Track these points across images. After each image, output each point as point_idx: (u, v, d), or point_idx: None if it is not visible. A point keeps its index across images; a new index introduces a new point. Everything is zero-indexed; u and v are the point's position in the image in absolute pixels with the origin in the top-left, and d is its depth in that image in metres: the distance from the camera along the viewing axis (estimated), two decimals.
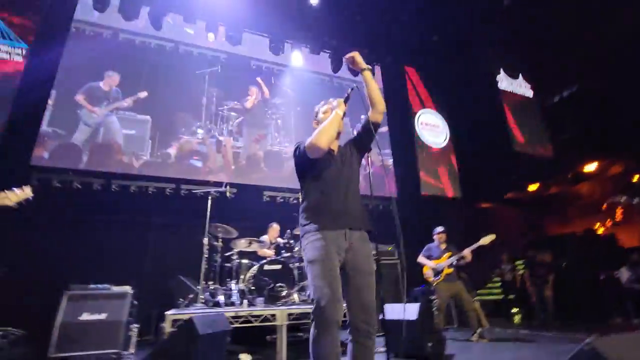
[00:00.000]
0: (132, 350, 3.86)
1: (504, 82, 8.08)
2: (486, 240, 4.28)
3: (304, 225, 1.77)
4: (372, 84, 1.85)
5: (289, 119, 6.97)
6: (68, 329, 3.53)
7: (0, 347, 3.64)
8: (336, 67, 7.60)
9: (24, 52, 5.08)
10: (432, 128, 8.13)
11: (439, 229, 4.63)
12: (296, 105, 7.12)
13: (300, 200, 1.90)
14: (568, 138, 7.93)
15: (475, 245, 4.29)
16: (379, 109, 1.88)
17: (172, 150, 5.76)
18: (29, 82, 5.03)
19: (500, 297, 6.93)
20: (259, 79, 6.92)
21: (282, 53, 7.19)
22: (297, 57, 7.33)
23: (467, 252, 4.27)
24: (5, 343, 3.75)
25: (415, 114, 8.05)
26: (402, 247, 2.28)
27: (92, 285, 3.85)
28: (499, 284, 7.15)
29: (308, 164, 1.85)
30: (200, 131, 6.08)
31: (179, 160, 5.76)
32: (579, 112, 7.82)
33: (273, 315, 3.48)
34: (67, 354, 3.47)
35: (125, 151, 5.46)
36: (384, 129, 7.75)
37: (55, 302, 3.63)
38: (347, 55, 1.90)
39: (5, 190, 1.72)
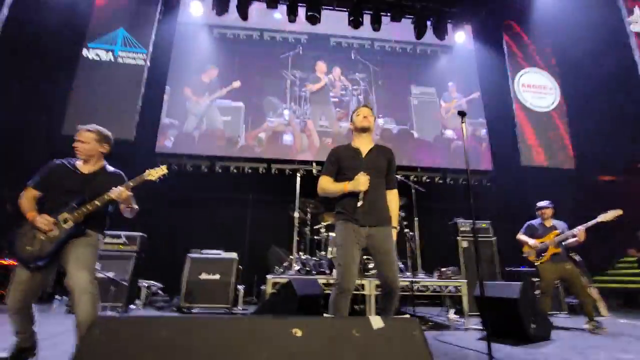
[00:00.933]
0: (239, 306, 4.50)
1: (639, 22, 6.44)
2: (608, 216, 3.61)
3: (337, 215, 2.23)
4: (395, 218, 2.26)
5: (370, 93, 6.86)
6: (192, 286, 4.28)
7: (146, 295, 4.65)
8: (420, 32, 7.09)
9: (144, 56, 6.07)
10: (537, 89, 7.04)
11: (544, 203, 4.09)
12: (377, 78, 6.94)
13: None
14: None
15: (592, 223, 3.67)
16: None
17: (263, 133, 6.27)
18: (151, 81, 6.04)
19: (634, 284, 5.83)
20: (320, 62, 6.88)
21: (362, 26, 7.01)
22: (377, 28, 7.06)
23: (579, 230, 3.69)
24: (149, 293, 4.76)
25: (515, 75, 7.07)
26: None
27: (205, 250, 4.58)
28: (635, 267, 5.99)
29: (339, 170, 2.25)
30: (286, 113, 6.45)
31: (269, 142, 6.25)
32: None
33: (362, 286, 3.63)
34: (192, 305, 4.24)
35: (224, 136, 6.15)
36: (475, 94, 7.02)
37: (179, 263, 4.44)
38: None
39: (148, 169, 2.18)
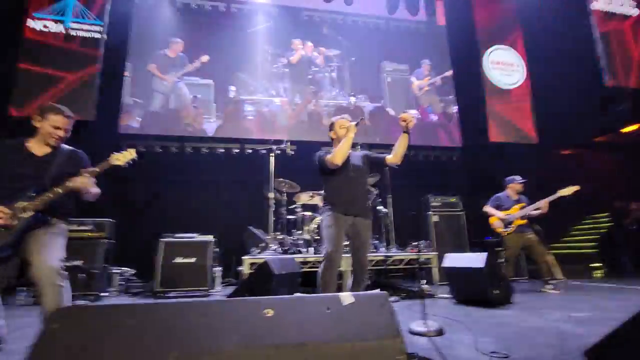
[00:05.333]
0: (217, 288, 4.50)
1: (599, 2, 6.66)
2: (567, 191, 3.86)
3: (324, 207, 2.49)
4: (405, 144, 2.40)
5: (343, 70, 6.75)
6: (167, 270, 4.20)
7: (119, 282, 4.53)
8: (392, 7, 6.98)
9: (100, 29, 5.58)
10: (505, 67, 7.22)
11: (521, 180, 4.27)
12: (350, 55, 6.82)
13: (323, 189, 2.58)
14: None
15: (553, 197, 3.92)
16: (397, 161, 2.47)
17: (234, 112, 6.06)
18: (109, 57, 5.59)
19: (587, 250, 6.34)
20: (295, 40, 6.66)
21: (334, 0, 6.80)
22: (349, 2, 6.87)
23: (543, 203, 3.92)
24: (122, 279, 4.64)
25: (485, 52, 7.18)
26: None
27: (181, 234, 4.48)
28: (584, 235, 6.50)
29: (328, 168, 2.45)
30: (258, 90, 6.24)
31: (241, 121, 6.06)
32: None
33: None
34: (168, 289, 4.18)
35: (194, 115, 5.89)
36: (449, 72, 7.10)
37: (153, 248, 4.32)
38: (409, 119, 2.31)
39: (115, 153, 2.08)
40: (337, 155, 2.36)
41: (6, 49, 5.19)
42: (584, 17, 6.52)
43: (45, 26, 5.38)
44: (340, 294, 0.99)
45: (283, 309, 0.92)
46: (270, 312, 0.90)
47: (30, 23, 5.33)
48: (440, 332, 2.21)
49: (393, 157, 2.44)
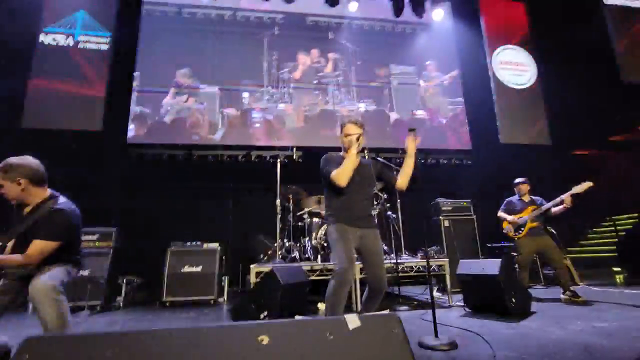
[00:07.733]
0: (224, 297, 4.44)
1: None
2: (580, 188, 3.69)
3: (329, 219, 2.36)
4: (410, 169, 2.36)
5: (349, 74, 6.70)
6: (174, 278, 4.18)
7: (126, 291, 4.50)
8: (398, 10, 6.93)
9: (107, 41, 5.66)
10: (515, 67, 7.08)
11: (519, 179, 4.17)
12: (356, 59, 6.78)
13: (325, 200, 2.47)
14: None
15: (568, 194, 3.74)
16: (403, 186, 2.39)
17: (240, 119, 6.05)
18: (117, 68, 5.65)
19: (604, 254, 6.10)
20: (300, 54, 6.65)
21: (338, 4, 6.78)
22: (354, 6, 6.85)
23: (566, 197, 3.73)
24: (129, 288, 4.62)
25: (493, 52, 7.06)
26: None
27: (188, 243, 4.45)
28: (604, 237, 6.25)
29: (331, 183, 2.32)
30: (264, 97, 6.23)
31: (247, 128, 6.05)
32: None
33: None
34: (175, 298, 4.15)
35: (200, 123, 5.90)
36: (455, 72, 6.98)
37: (161, 256, 4.30)
38: (414, 141, 2.33)
39: None
40: (340, 177, 2.24)
41: (19, 63, 5.29)
42: (598, 12, 6.36)
43: (54, 40, 5.48)
44: (345, 315, 0.90)
45: (280, 336, 0.82)
46: (265, 340, 0.82)
47: (41, 37, 5.44)
48: (453, 346, 2.10)
49: (399, 182, 2.39)
